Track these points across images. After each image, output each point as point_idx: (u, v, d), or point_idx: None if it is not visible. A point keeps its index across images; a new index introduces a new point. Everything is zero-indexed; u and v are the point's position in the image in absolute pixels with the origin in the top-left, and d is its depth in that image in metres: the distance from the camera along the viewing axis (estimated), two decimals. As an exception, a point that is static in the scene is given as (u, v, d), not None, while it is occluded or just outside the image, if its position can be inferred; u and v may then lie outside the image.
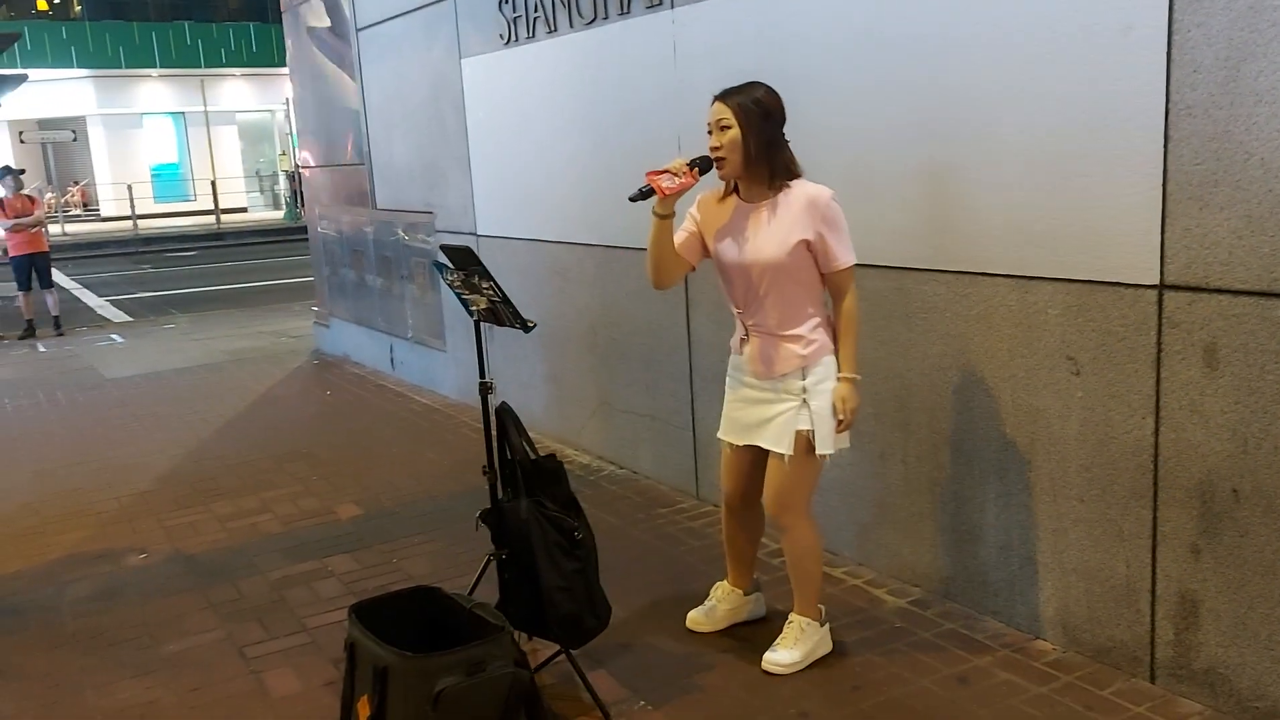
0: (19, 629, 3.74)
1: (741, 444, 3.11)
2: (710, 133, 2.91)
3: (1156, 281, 2.73)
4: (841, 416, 2.94)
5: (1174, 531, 2.80)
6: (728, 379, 3.16)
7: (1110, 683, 2.95)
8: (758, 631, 3.32)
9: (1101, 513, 2.96)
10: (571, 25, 4.91)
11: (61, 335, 10.40)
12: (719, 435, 3.19)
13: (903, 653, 3.19)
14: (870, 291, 3.54)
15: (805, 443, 2.95)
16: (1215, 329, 2.62)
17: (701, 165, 2.92)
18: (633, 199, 2.91)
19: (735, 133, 2.85)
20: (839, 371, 2.96)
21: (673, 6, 4.26)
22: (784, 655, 3.11)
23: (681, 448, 4.69)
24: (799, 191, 2.89)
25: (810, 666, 3.12)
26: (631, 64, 4.58)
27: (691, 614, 3.42)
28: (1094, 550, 3.00)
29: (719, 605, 3.40)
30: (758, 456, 3.11)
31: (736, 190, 3.01)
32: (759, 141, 2.86)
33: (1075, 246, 2.91)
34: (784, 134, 2.92)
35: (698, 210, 3.07)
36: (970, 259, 3.21)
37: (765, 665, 3.11)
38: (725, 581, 3.42)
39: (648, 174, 2.89)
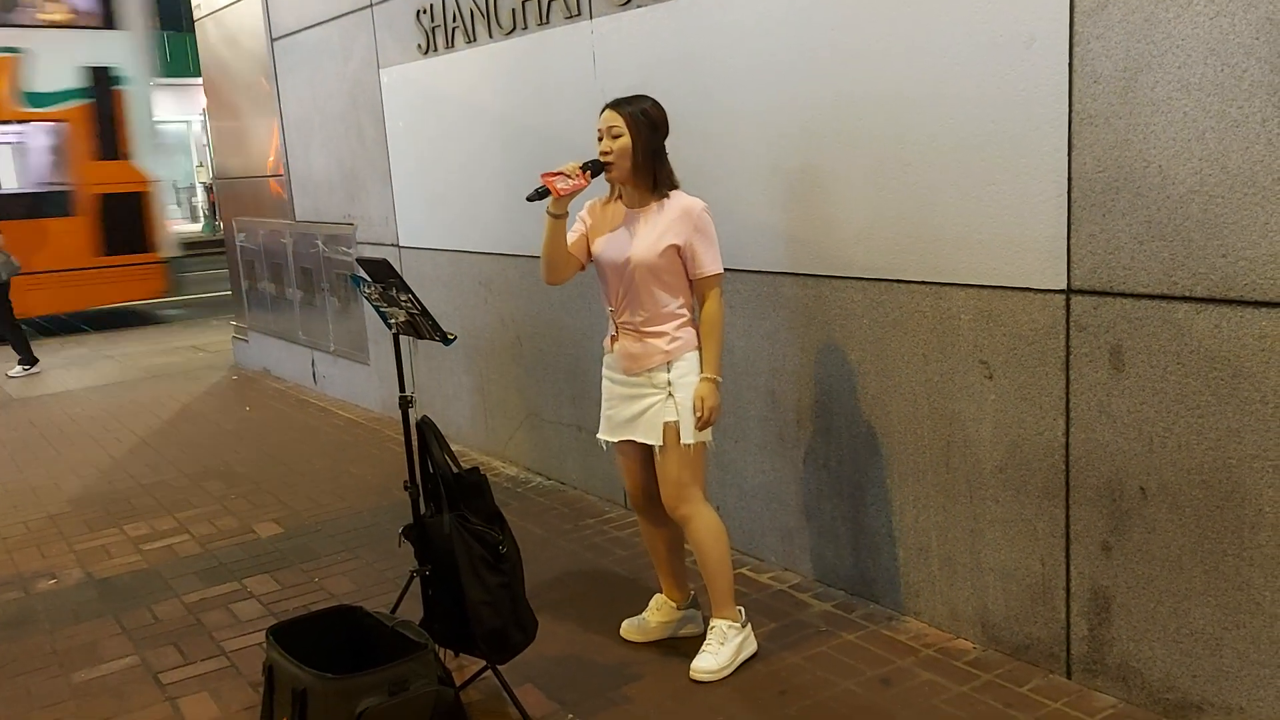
0: (-82, 662, 3.58)
1: (617, 440, 3.19)
2: (600, 139, 3.04)
3: (1064, 286, 2.80)
4: (699, 414, 3.03)
5: (1086, 530, 2.87)
6: (603, 380, 3.22)
7: (1028, 679, 3.01)
8: (687, 641, 3.32)
9: (1017, 513, 3.03)
10: (491, 35, 4.89)
11: None
12: (598, 436, 3.24)
13: (828, 656, 3.23)
14: (789, 299, 3.59)
15: (675, 433, 3.05)
16: (1120, 332, 2.70)
17: (593, 168, 3.03)
18: (530, 199, 3.00)
19: (625, 140, 2.99)
20: (701, 371, 3.05)
21: (591, 17, 4.26)
22: (710, 661, 3.12)
23: (608, 458, 4.67)
24: (676, 202, 3.04)
25: (737, 672, 3.14)
26: (551, 74, 4.58)
27: (625, 624, 3.42)
28: (1010, 550, 3.07)
29: (650, 617, 3.40)
30: (644, 453, 3.17)
31: (621, 196, 3.14)
32: (646, 150, 3.00)
33: (986, 253, 2.98)
34: (665, 147, 3.06)
35: (587, 213, 3.20)
36: (886, 266, 3.26)
37: (692, 673, 3.11)
38: (661, 594, 3.43)
39: (543, 175, 2.98)
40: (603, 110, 3.05)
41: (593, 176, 3.02)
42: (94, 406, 7.54)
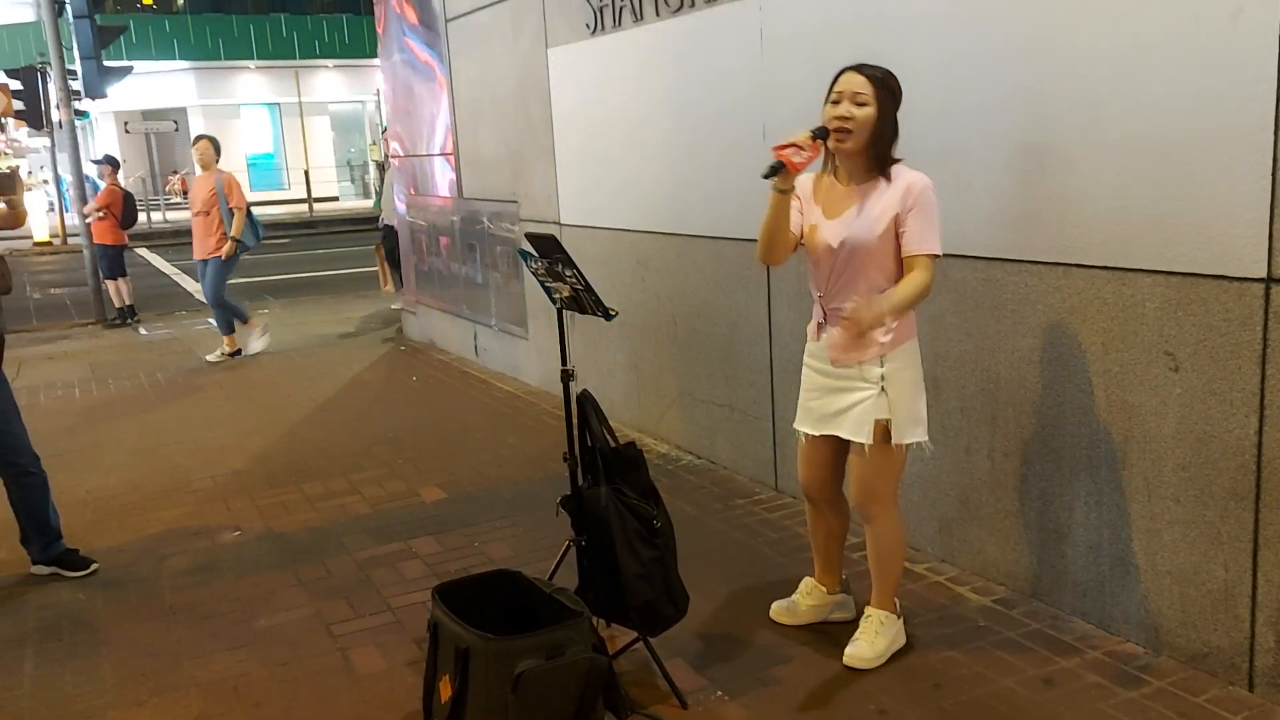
0: (121, 599, 3.89)
1: (818, 434, 3.08)
2: (838, 102, 2.83)
3: (1264, 275, 2.62)
4: (853, 317, 2.78)
5: (1277, 535, 2.69)
6: (804, 367, 3.12)
7: (1205, 690, 2.85)
8: (837, 626, 3.29)
9: (1199, 514, 2.86)
10: (658, 14, 4.90)
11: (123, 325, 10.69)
12: (795, 425, 3.16)
13: (986, 651, 3.13)
14: (958, 282, 3.47)
15: (884, 432, 2.92)
16: (1326, 325, 2.50)
17: (821, 135, 2.83)
18: (765, 176, 2.82)
19: (871, 111, 2.80)
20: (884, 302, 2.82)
21: (760, -7, 4.22)
22: (865, 649, 3.07)
23: (760, 438, 4.66)
24: (901, 179, 2.86)
25: (890, 662, 3.08)
26: (718, 52, 4.56)
27: (775, 605, 3.40)
28: (1190, 552, 2.90)
29: (801, 601, 3.36)
30: (837, 447, 3.08)
31: (836, 171, 2.97)
32: (889, 123, 2.83)
33: (1177, 237, 2.81)
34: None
35: (798, 188, 3.02)
36: (1064, 249, 3.12)
37: (847, 660, 3.07)
38: (811, 577, 3.39)
39: (775, 149, 2.81)
40: (841, 73, 2.84)
41: (822, 144, 2.84)
42: (275, 372, 8.00)
